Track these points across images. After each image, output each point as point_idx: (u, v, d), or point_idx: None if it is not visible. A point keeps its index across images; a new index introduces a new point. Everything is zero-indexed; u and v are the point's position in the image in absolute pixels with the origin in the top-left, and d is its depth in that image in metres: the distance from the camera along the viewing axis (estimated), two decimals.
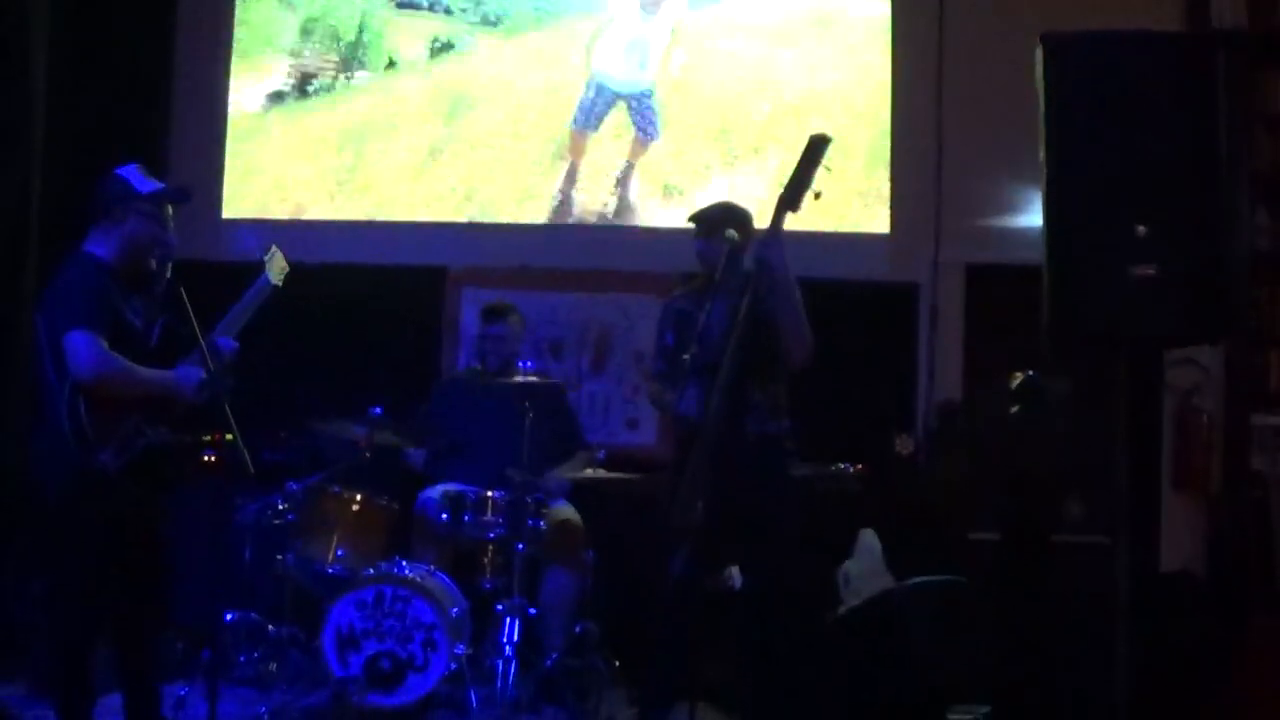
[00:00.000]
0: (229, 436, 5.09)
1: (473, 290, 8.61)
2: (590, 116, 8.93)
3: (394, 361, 8.39)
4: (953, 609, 6.47)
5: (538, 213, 8.91)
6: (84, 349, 5.15)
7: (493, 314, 7.55)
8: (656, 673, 6.10)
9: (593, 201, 8.88)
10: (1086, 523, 7.82)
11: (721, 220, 6.19)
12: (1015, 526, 6.90)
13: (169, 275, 5.46)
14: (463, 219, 8.95)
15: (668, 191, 8.84)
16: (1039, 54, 4.68)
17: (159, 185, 5.58)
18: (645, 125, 8.89)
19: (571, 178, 8.90)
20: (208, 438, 5.69)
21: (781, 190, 5.81)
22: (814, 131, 5.90)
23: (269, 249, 6.12)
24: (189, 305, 5.27)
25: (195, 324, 5.26)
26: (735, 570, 6.66)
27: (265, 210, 9.10)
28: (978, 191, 8.54)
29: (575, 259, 8.74)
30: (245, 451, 5.08)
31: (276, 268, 6.06)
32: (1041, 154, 4.65)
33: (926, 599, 6.47)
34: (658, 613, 5.95)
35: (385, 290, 8.60)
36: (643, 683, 6.35)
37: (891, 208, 8.72)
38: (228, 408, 5.12)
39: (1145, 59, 4.67)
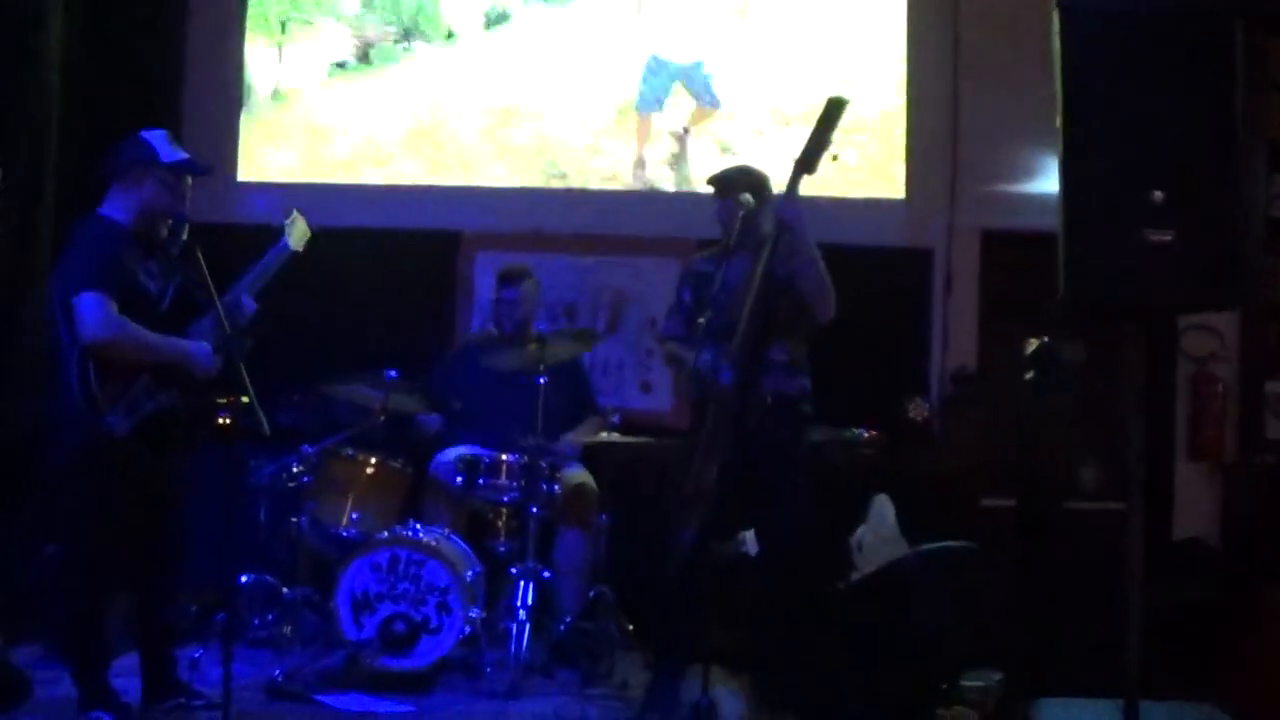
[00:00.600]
0: (245, 399, 5.11)
1: (487, 254, 8.62)
2: (653, 98, 8.96)
3: (408, 325, 8.40)
4: (966, 575, 6.47)
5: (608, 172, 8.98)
6: (92, 311, 5.17)
7: (508, 277, 7.55)
8: (670, 637, 6.12)
9: (656, 177, 8.92)
10: (1101, 489, 7.84)
11: (736, 182, 6.19)
12: (1028, 493, 6.91)
13: (184, 238, 5.46)
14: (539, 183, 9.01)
15: (724, 150, 8.85)
16: (1055, 20, 4.66)
17: (182, 156, 5.58)
18: (704, 95, 8.92)
19: (640, 163, 8.92)
20: (223, 400, 5.68)
21: (799, 152, 5.81)
22: (832, 94, 5.89)
23: (290, 213, 6.10)
24: (205, 268, 5.28)
25: (211, 287, 5.28)
26: (750, 535, 6.66)
27: (331, 174, 9.14)
28: (993, 158, 8.53)
29: (589, 223, 8.74)
30: (261, 413, 5.10)
31: (298, 233, 6.03)
32: (1058, 120, 4.63)
33: (939, 565, 6.47)
34: (671, 577, 5.95)
35: (400, 254, 8.61)
36: (656, 647, 6.35)
37: (907, 173, 8.72)
38: (243, 370, 5.13)
39: (1162, 26, 4.65)
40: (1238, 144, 4.67)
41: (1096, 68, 4.60)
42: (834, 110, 5.78)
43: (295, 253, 5.99)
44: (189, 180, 5.60)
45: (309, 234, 6.09)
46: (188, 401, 5.48)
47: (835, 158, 5.83)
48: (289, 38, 9.20)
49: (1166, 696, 5.37)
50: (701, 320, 5.88)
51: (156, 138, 5.54)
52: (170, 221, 5.51)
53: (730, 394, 5.75)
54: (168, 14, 8.88)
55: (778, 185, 6.00)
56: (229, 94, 9.10)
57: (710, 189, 6.35)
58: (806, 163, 5.77)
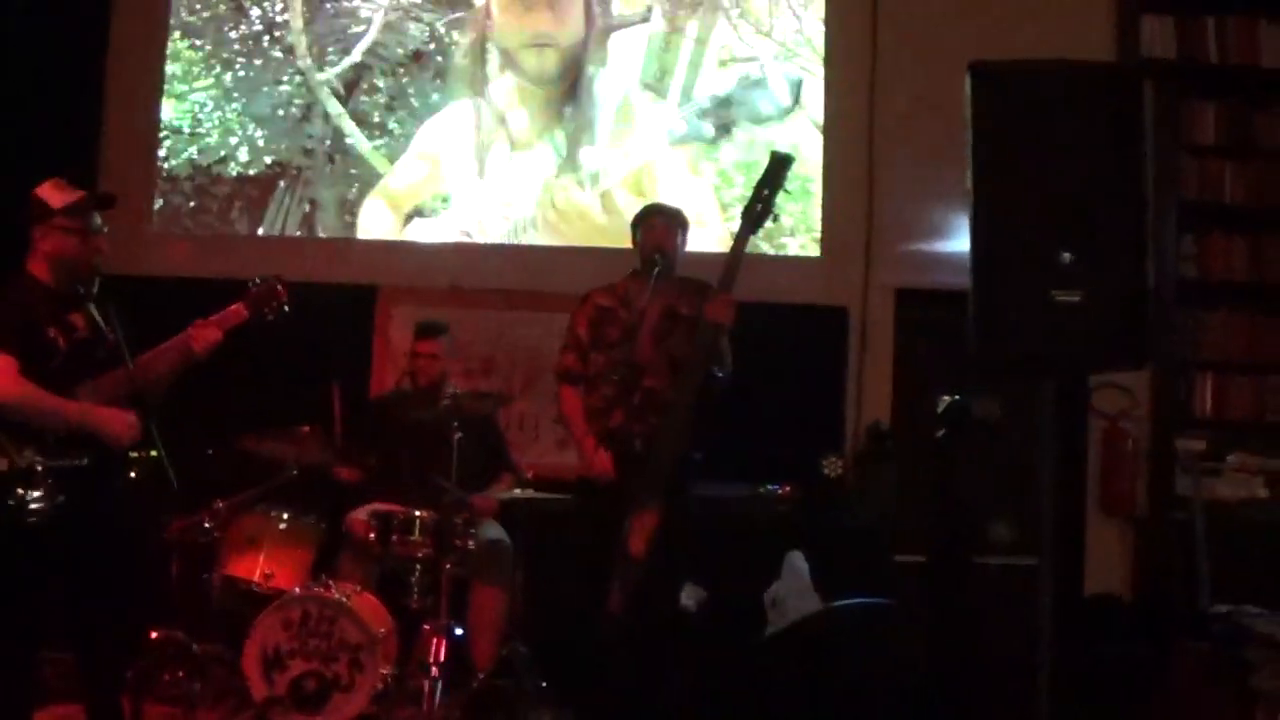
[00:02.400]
0: (154, 453, 5.05)
1: (404, 309, 8.60)
2: None
3: (325, 379, 8.34)
4: (879, 631, 6.50)
5: None
6: None
7: (424, 332, 7.54)
8: (600, 695, 6.12)
9: None
10: (1013, 545, 7.90)
11: (644, 215, 6.38)
12: (940, 548, 6.95)
13: (95, 290, 5.39)
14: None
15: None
16: (967, 82, 4.72)
17: (75, 197, 5.49)
18: None
19: None
20: (134, 454, 5.60)
21: (742, 214, 5.86)
22: (775, 150, 5.93)
23: (263, 281, 6.02)
24: (118, 321, 5.23)
25: (123, 342, 5.21)
26: (691, 589, 6.67)
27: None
28: (907, 216, 8.63)
29: (507, 279, 8.73)
30: (170, 468, 5.04)
31: (267, 301, 5.97)
32: (969, 181, 4.69)
33: (853, 620, 6.50)
34: (600, 640, 5.94)
35: (317, 308, 8.52)
36: (583, 705, 6.34)
37: (822, 232, 8.79)
38: (153, 425, 5.08)
39: (1073, 88, 4.72)
40: (1145, 205, 4.74)
41: (1007, 129, 4.67)
42: (778, 167, 5.83)
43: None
44: (97, 219, 5.51)
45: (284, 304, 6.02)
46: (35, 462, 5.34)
47: (776, 218, 5.90)
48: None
49: None
50: (616, 377, 5.94)
51: (47, 190, 5.45)
52: (87, 266, 5.43)
53: (671, 457, 5.81)
54: (86, 62, 8.85)
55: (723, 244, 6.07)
56: (145, 141, 9.04)
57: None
58: (752, 223, 5.83)
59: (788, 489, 7.88)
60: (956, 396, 6.91)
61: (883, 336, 8.64)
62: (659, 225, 6.37)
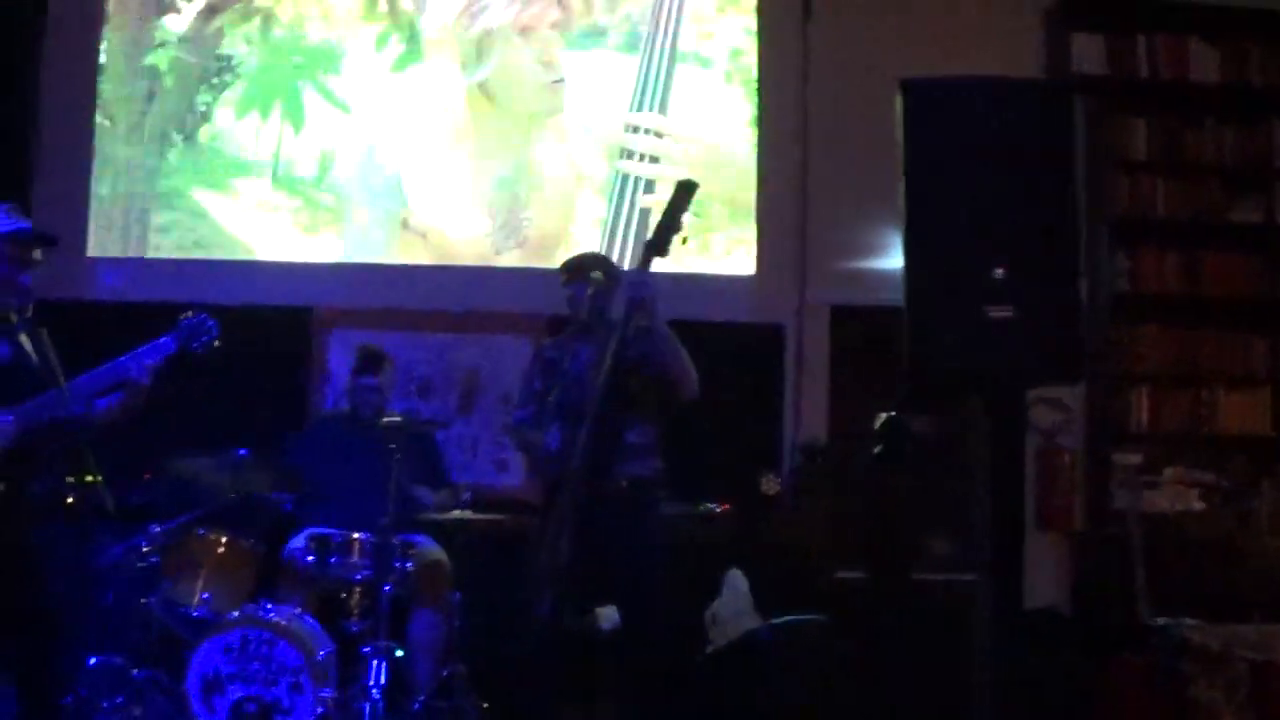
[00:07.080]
0: (89, 477, 5.01)
1: (339, 331, 8.57)
2: None
3: (260, 402, 8.31)
4: (819, 647, 6.51)
5: None
6: None
7: (367, 364, 7.49)
8: (525, 715, 6.10)
9: None
10: (954, 561, 7.92)
11: (586, 266, 6.27)
12: (878, 565, 6.97)
13: (29, 315, 5.35)
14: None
15: None
16: (898, 99, 4.74)
17: (18, 225, 5.45)
18: None
19: None
20: (71, 479, 5.55)
21: (650, 235, 5.85)
22: (681, 178, 5.96)
23: (194, 315, 5.89)
24: (50, 346, 5.18)
25: (56, 366, 5.17)
26: (608, 612, 6.66)
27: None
28: (842, 234, 8.66)
29: (442, 300, 8.71)
30: (107, 492, 5.00)
31: (196, 335, 5.83)
32: (901, 198, 4.71)
33: (792, 638, 6.52)
34: (523, 655, 5.93)
35: (252, 330, 8.46)
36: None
37: (757, 249, 8.82)
38: (88, 449, 5.04)
39: (1004, 104, 4.75)
40: (1077, 221, 4.78)
41: (938, 145, 4.69)
42: (683, 193, 5.85)
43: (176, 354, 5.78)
44: (36, 252, 5.46)
45: (214, 338, 5.88)
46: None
47: (685, 240, 5.89)
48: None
49: None
50: (550, 399, 5.93)
51: None
52: (13, 295, 5.38)
53: (580, 474, 5.76)
54: (18, 86, 8.78)
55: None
56: (80, 165, 8.95)
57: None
58: (658, 245, 5.82)
59: (726, 507, 7.90)
60: (893, 413, 6.93)
61: (818, 354, 8.68)
62: (602, 280, 6.30)
